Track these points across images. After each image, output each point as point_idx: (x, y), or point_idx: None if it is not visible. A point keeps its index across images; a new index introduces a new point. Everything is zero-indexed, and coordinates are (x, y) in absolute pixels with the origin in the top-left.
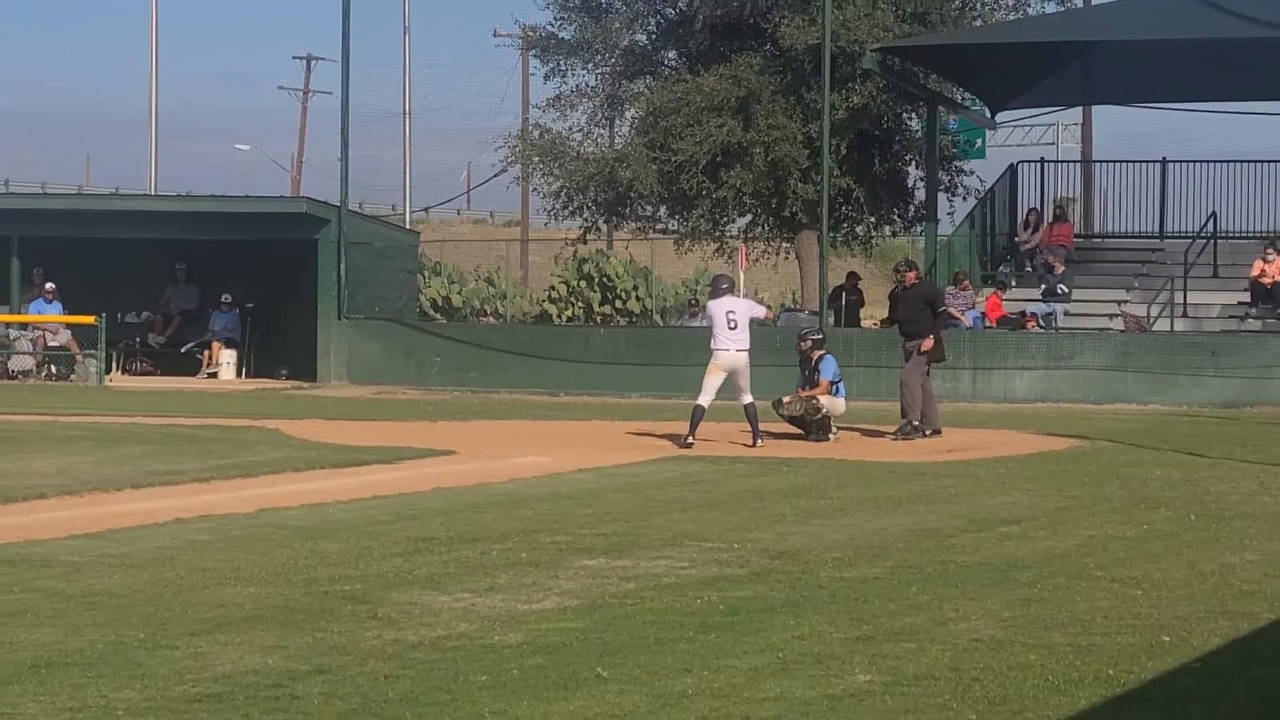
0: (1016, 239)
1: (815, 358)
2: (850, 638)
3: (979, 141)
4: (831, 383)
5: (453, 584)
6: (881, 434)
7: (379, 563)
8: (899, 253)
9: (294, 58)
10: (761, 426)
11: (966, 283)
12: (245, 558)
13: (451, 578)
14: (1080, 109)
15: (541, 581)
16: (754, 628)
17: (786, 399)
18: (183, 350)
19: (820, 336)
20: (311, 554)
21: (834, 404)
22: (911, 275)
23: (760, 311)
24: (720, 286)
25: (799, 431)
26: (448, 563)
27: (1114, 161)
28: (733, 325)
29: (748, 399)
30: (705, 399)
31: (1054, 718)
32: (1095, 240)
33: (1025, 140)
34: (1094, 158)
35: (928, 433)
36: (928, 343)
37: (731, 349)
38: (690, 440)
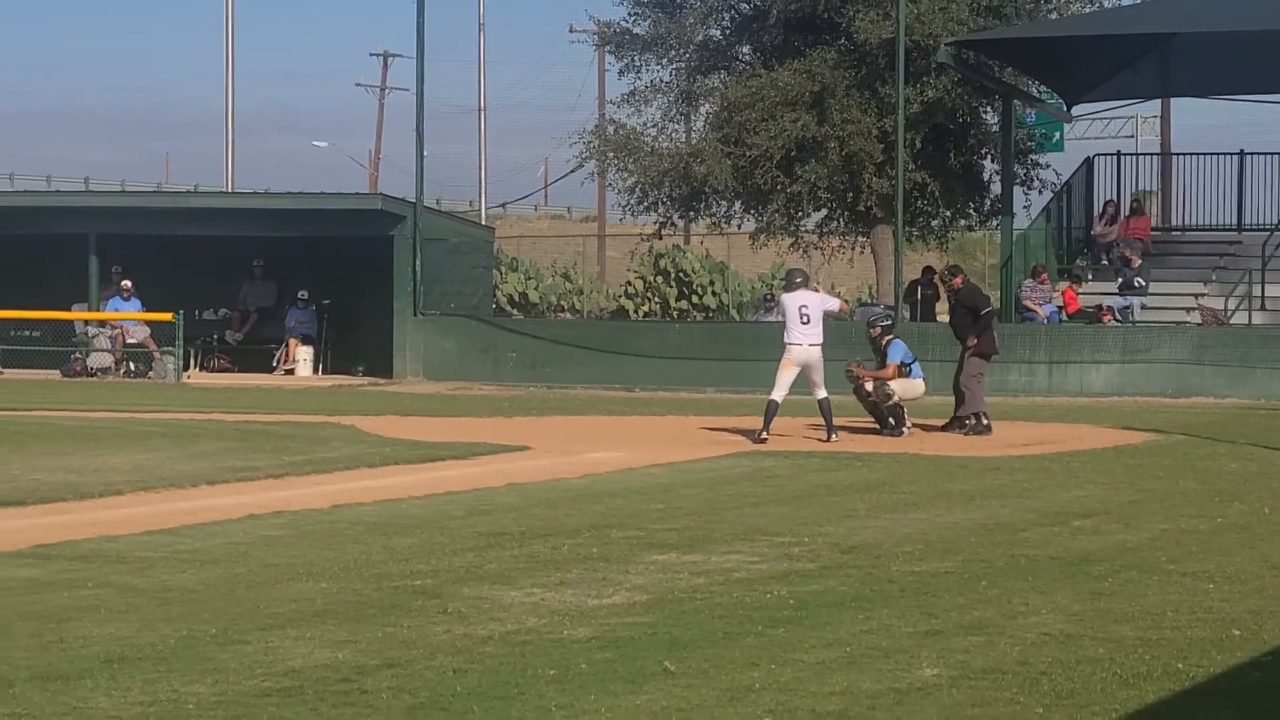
0: (1093, 232)
1: (885, 343)
2: (919, 632)
3: (1057, 135)
4: (902, 364)
5: (523, 579)
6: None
7: (450, 558)
8: (976, 246)
9: (371, 55)
10: (836, 421)
11: (1044, 276)
12: (318, 553)
13: (522, 572)
14: (1159, 101)
15: (611, 576)
16: (822, 622)
17: (854, 366)
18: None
19: (889, 322)
20: (384, 549)
21: (909, 386)
22: (958, 280)
23: (834, 304)
24: (794, 280)
25: (874, 425)
26: (519, 558)
27: (1190, 154)
28: (805, 319)
29: (821, 394)
30: (779, 394)
31: (1122, 712)
32: (1173, 233)
33: (1104, 133)
34: (1172, 150)
35: (970, 422)
36: (971, 340)
37: (804, 343)
38: (764, 435)
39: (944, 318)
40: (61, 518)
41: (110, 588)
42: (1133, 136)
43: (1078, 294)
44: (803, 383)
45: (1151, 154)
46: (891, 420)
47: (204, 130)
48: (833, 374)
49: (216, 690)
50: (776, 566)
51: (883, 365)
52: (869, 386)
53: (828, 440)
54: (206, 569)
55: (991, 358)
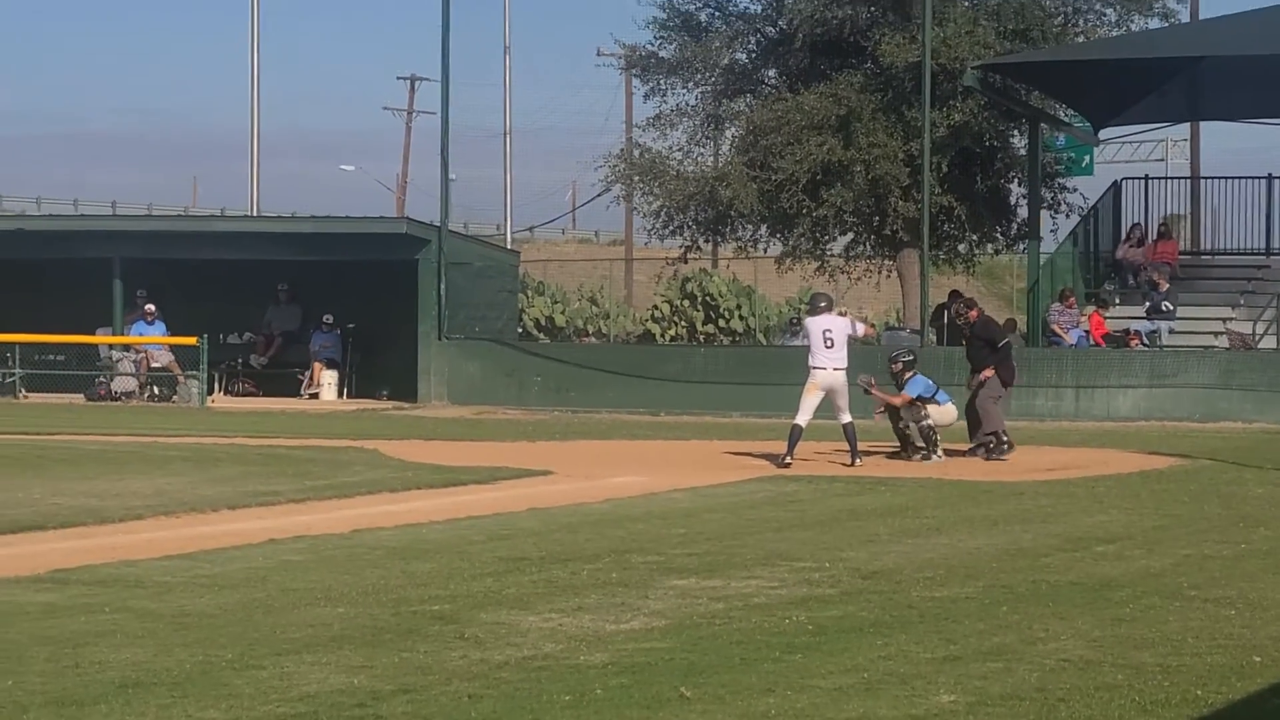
0: (1118, 255)
1: (905, 379)
2: (937, 658)
3: (1087, 158)
4: (920, 398)
5: (541, 604)
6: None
7: (469, 583)
8: (1005, 270)
9: (398, 78)
10: (860, 445)
11: (1072, 300)
12: (336, 578)
13: (540, 598)
14: (1188, 124)
15: (630, 601)
16: (840, 648)
17: (872, 386)
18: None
19: (911, 358)
20: (402, 574)
21: (943, 413)
22: (974, 313)
23: (859, 329)
24: (818, 304)
25: (897, 448)
26: (537, 583)
27: (1217, 178)
28: (829, 344)
29: (846, 418)
30: (803, 418)
31: None
32: (1202, 257)
33: (1134, 156)
34: (1202, 174)
35: (991, 443)
36: (986, 372)
37: (829, 367)
38: (788, 460)
39: None
40: (81, 542)
41: (127, 612)
42: (1163, 160)
43: (1104, 318)
44: (827, 407)
45: (1179, 178)
46: (924, 444)
47: (232, 154)
48: (857, 397)
49: (231, 716)
50: (796, 592)
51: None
52: (896, 405)
53: (852, 464)
54: (225, 594)
55: (1010, 385)
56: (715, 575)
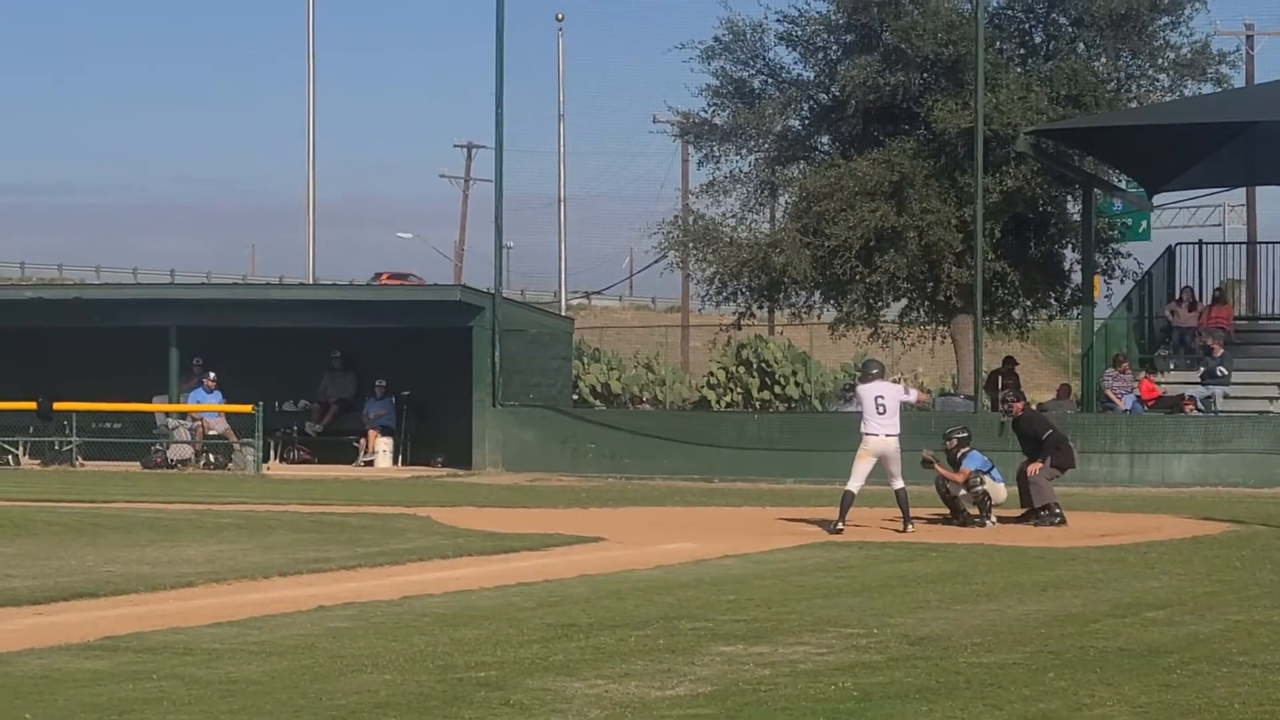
0: (1166, 314)
1: (960, 455)
2: None
3: (1144, 224)
4: (976, 472)
5: (588, 670)
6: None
7: (516, 649)
8: (1062, 336)
9: (455, 146)
10: (913, 512)
11: (1125, 365)
12: (384, 645)
13: (587, 664)
14: (1244, 189)
15: (677, 668)
16: (886, 714)
17: (930, 455)
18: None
19: (966, 434)
20: (450, 641)
21: (996, 490)
22: (1018, 406)
23: (911, 396)
24: (870, 371)
25: (948, 514)
26: (585, 649)
27: (1273, 242)
28: (882, 410)
29: (899, 484)
30: (855, 484)
31: None
32: (1259, 322)
33: (1191, 221)
34: (1258, 238)
35: (1044, 514)
36: (1033, 467)
37: (880, 434)
38: (840, 526)
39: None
40: (132, 609)
41: (176, 679)
42: (1219, 225)
43: (1157, 383)
44: (880, 473)
45: (1234, 242)
46: (977, 510)
47: (291, 221)
48: (910, 463)
49: None
50: (843, 658)
51: (956, 471)
52: (956, 481)
53: (904, 531)
54: (273, 660)
55: (1067, 470)
56: (763, 641)
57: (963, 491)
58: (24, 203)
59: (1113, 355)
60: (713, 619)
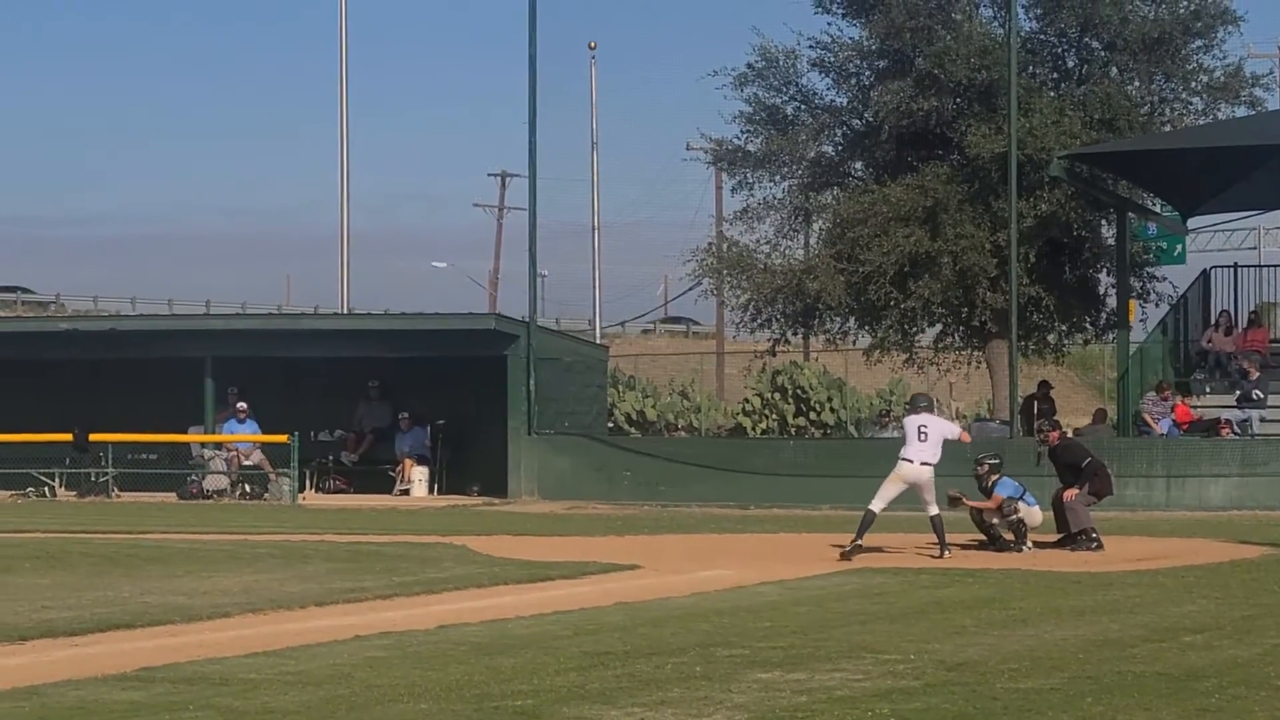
0: (1203, 341)
1: (992, 482)
2: None
3: (1180, 247)
4: (1009, 499)
5: (624, 698)
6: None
7: (553, 677)
8: (1097, 360)
9: (489, 175)
10: (949, 538)
11: (1167, 392)
12: (420, 674)
13: (623, 692)
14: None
15: (713, 695)
16: None
17: (960, 495)
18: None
19: (997, 460)
20: (487, 669)
21: (1030, 515)
22: (1054, 435)
23: (954, 432)
24: (918, 404)
25: (985, 539)
26: (621, 677)
27: None
28: (923, 437)
29: (934, 510)
30: (878, 505)
31: None
32: None
33: (1227, 245)
34: None
35: (1080, 539)
36: (1070, 493)
37: (916, 461)
38: (859, 543)
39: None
40: (168, 640)
41: (211, 710)
42: (1255, 248)
43: (1191, 407)
44: (914, 499)
45: (1269, 265)
46: (1012, 536)
47: (326, 251)
48: (942, 489)
49: None
50: (880, 684)
51: (989, 498)
52: (990, 508)
53: (940, 557)
54: (309, 690)
55: (1104, 497)
56: (799, 668)
57: (997, 519)
58: (60, 235)
59: (1156, 382)
60: (749, 646)
